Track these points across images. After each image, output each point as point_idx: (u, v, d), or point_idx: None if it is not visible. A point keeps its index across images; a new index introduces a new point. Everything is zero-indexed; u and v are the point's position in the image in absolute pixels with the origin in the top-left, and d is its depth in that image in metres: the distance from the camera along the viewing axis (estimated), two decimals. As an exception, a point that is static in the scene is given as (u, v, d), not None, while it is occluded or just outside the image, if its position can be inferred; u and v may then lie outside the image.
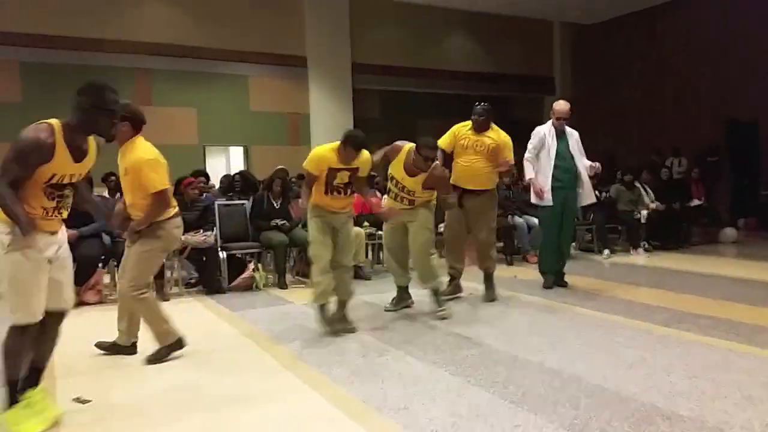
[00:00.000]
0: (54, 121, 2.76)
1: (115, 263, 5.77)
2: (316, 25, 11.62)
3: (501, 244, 8.03)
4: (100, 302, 5.67)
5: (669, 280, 6.43)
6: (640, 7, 13.08)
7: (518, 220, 7.87)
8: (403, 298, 5.15)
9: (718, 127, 11.88)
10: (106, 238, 5.89)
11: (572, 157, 5.82)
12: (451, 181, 5.13)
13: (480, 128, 5.36)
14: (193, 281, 6.56)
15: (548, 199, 5.75)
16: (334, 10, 11.76)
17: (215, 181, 9.14)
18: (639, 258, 8.13)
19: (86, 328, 4.81)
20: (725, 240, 9.46)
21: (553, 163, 5.78)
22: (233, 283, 6.30)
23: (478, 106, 5.39)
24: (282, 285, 6.38)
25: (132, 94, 10.42)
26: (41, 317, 2.76)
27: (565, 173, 5.77)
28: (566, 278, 6.06)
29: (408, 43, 12.52)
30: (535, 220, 7.90)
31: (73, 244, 5.50)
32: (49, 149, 2.69)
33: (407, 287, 5.15)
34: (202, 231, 6.15)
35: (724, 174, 11.61)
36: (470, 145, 5.32)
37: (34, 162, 2.68)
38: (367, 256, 7.35)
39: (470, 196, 5.35)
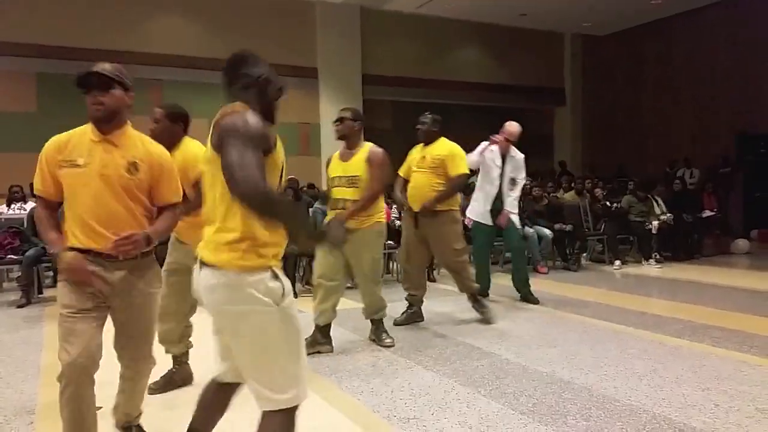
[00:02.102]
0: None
1: (53, 264, 5.78)
2: (328, 36, 11.71)
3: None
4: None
5: (681, 291, 6.38)
6: (651, 18, 13.07)
7: (528, 230, 7.84)
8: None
9: (731, 139, 11.82)
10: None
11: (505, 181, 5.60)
12: (406, 205, 4.89)
13: (426, 140, 4.86)
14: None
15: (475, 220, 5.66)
16: (346, 22, 11.85)
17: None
18: (650, 269, 8.07)
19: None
20: (738, 251, 9.38)
21: (497, 184, 5.57)
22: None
23: (423, 117, 4.92)
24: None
25: (144, 105, 10.56)
26: None
27: (498, 198, 5.59)
28: (576, 288, 6.02)
29: (419, 55, 12.58)
30: (546, 231, 7.90)
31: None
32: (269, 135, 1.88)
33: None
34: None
35: (737, 185, 11.54)
36: (416, 162, 4.86)
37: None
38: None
39: (423, 219, 4.78)
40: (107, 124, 2.28)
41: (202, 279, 1.86)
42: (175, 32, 10.54)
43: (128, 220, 2.30)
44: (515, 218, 5.70)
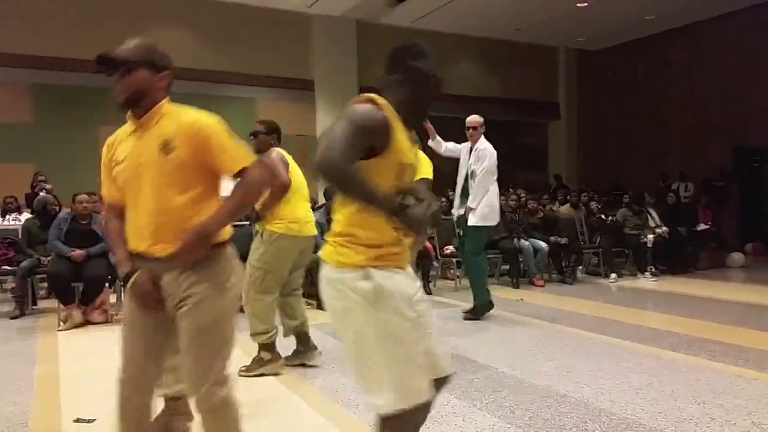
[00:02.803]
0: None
1: (121, 283, 5.78)
2: (324, 49, 11.77)
3: (507, 267, 8.03)
4: (106, 322, 5.67)
5: (677, 304, 6.39)
6: (645, 33, 13.20)
7: (524, 243, 7.85)
8: None
9: (726, 153, 11.90)
10: (113, 258, 5.91)
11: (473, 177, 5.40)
12: None
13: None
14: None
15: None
16: (342, 35, 11.92)
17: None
18: (646, 282, 8.08)
19: (92, 347, 4.81)
20: (733, 264, 9.42)
21: (461, 182, 5.51)
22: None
23: None
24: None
25: (141, 116, 10.58)
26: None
27: (465, 195, 5.44)
28: (572, 301, 6.02)
29: (414, 68, 12.66)
30: (542, 244, 7.91)
31: (81, 264, 5.57)
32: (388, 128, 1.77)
33: None
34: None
35: (732, 198, 11.60)
36: None
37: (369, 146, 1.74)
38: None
39: None
40: (136, 109, 2.01)
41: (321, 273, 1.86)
42: (172, 44, 10.48)
43: (178, 211, 1.94)
44: (472, 216, 5.38)
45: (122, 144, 2.04)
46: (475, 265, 5.59)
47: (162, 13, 10.45)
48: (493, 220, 5.53)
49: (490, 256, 7.89)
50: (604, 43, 14.12)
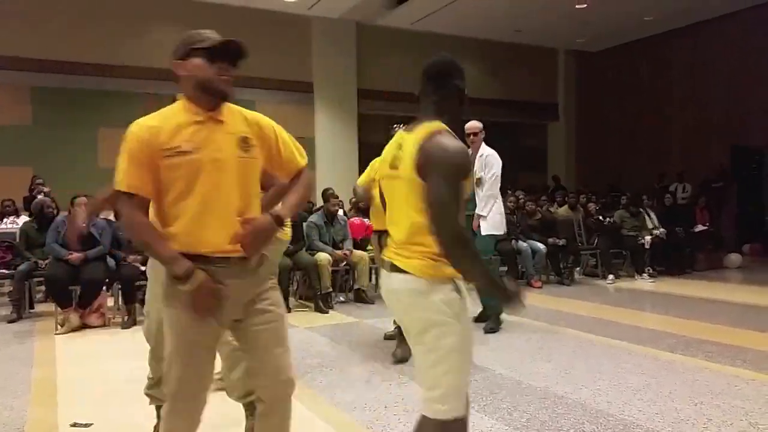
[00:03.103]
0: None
1: (119, 286, 5.78)
2: (323, 51, 11.77)
3: (505, 269, 8.02)
4: (104, 325, 5.66)
5: (674, 305, 6.39)
6: (644, 34, 13.21)
7: (522, 244, 7.85)
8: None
9: (725, 154, 11.91)
10: (111, 261, 5.91)
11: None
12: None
13: None
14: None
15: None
16: (341, 37, 11.92)
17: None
18: (644, 283, 8.08)
19: (89, 351, 4.81)
20: (730, 265, 9.42)
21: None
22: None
23: (397, 128, 4.85)
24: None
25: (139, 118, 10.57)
26: None
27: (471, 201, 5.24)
28: (569, 302, 6.02)
29: (414, 70, 12.40)
30: (540, 245, 7.91)
31: (78, 267, 5.57)
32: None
33: None
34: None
35: (730, 200, 11.61)
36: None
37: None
38: (370, 280, 7.31)
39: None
40: (224, 100, 1.94)
41: (392, 283, 1.90)
42: (170, 46, 10.48)
43: (249, 211, 1.89)
44: (484, 224, 5.21)
45: (183, 133, 1.84)
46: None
47: (161, 15, 10.45)
48: (504, 228, 5.45)
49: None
50: (604, 44, 14.12)
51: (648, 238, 8.50)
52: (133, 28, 10.33)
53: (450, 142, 1.82)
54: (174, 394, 1.88)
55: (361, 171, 4.81)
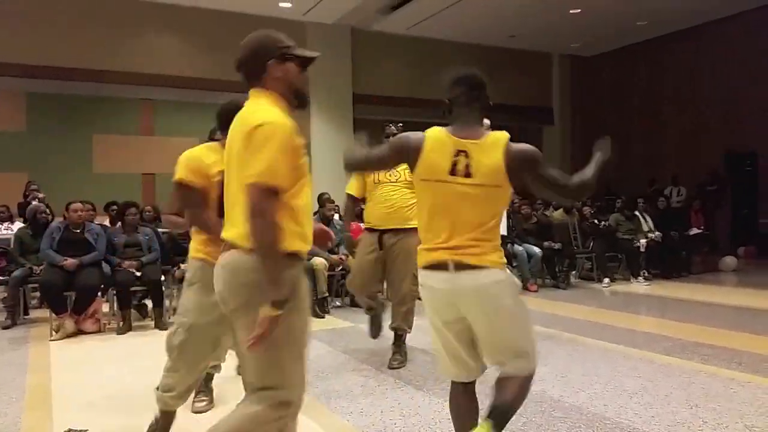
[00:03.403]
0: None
1: (114, 292, 5.76)
2: (318, 55, 11.79)
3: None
4: (99, 331, 5.64)
5: (670, 308, 6.41)
6: (638, 39, 13.28)
7: (518, 248, 7.86)
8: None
9: (718, 158, 11.96)
10: (106, 267, 5.89)
11: None
12: (365, 224, 4.45)
13: None
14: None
15: None
16: (336, 42, 11.94)
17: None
18: (639, 286, 8.10)
19: (84, 357, 4.79)
20: (725, 268, 9.45)
21: None
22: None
23: (390, 126, 4.48)
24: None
25: (135, 124, 10.56)
26: None
27: None
28: (565, 306, 6.03)
29: (409, 75, 12.69)
30: (536, 249, 7.93)
31: (73, 273, 5.55)
32: None
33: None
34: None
35: (725, 203, 11.65)
36: (384, 176, 4.32)
37: None
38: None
39: (390, 239, 4.25)
40: (302, 108, 2.15)
41: (467, 280, 2.13)
42: (165, 52, 10.57)
43: None
44: None
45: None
46: None
47: (155, 22, 10.45)
48: (505, 229, 5.48)
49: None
50: (598, 49, 14.19)
51: (643, 241, 8.52)
52: (128, 34, 10.33)
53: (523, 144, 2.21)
54: (295, 401, 1.94)
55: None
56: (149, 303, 6.05)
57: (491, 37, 13.06)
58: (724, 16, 11.76)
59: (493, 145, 2.14)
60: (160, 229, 6.48)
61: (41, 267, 5.78)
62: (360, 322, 5.60)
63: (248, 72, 2.02)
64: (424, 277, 2.22)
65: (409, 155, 2.24)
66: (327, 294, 6.53)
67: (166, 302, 6.06)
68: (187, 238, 3.11)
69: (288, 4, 10.69)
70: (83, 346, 5.17)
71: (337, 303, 6.89)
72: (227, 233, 1.95)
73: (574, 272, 8.74)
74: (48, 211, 6.54)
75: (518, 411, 3.22)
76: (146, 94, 10.52)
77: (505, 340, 2.22)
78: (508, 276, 2.19)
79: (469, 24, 11.99)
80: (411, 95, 12.61)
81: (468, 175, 2.11)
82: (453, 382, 2.39)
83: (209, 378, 3.45)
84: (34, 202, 7.19)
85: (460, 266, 2.11)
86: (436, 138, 2.20)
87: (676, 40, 12.87)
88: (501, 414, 2.16)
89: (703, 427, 2.97)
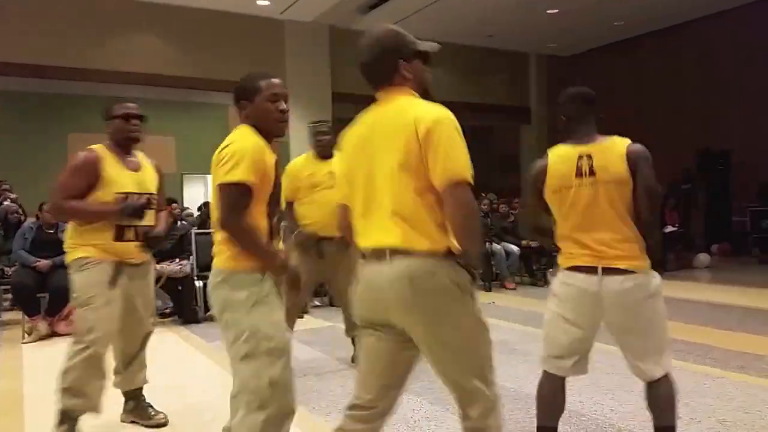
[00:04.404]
0: None
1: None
2: (297, 54, 11.73)
3: (480, 271, 8.08)
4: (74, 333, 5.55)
5: (645, 306, 6.49)
6: (615, 39, 13.45)
7: (496, 246, 7.92)
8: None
9: (692, 157, 12.16)
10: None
11: None
12: (302, 226, 4.02)
13: (330, 154, 4.04)
14: (167, 311, 6.47)
15: None
16: (315, 40, 11.90)
17: (194, 209, 9.10)
18: (616, 284, 8.20)
19: (58, 360, 4.71)
20: (699, 265, 9.62)
21: None
22: (209, 313, 6.23)
23: (321, 124, 4.17)
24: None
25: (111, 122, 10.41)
26: None
27: None
28: (543, 303, 6.03)
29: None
30: (514, 247, 7.99)
31: (47, 274, 5.46)
32: None
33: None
34: (177, 260, 6.09)
35: (699, 201, 11.85)
36: (322, 179, 3.95)
37: None
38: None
39: (331, 247, 3.87)
40: None
41: (617, 284, 2.27)
42: (143, 50, 10.43)
43: None
44: None
45: None
46: None
47: (132, 20, 10.31)
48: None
49: (463, 260, 7.93)
50: (575, 49, 14.33)
51: (619, 239, 8.63)
52: (104, 33, 10.17)
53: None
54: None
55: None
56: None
57: (469, 37, 13.12)
58: (700, 17, 11.96)
59: (613, 145, 2.37)
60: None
61: (13, 268, 5.68)
62: (339, 322, 5.58)
63: (377, 72, 1.96)
64: (566, 277, 2.40)
65: (539, 178, 2.42)
66: (306, 294, 6.51)
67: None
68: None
69: (266, 2, 10.62)
70: (57, 348, 5.07)
71: (317, 303, 6.88)
72: (387, 240, 1.80)
73: (551, 270, 8.83)
74: (21, 211, 6.43)
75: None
76: (124, 93, 10.33)
77: (642, 340, 2.39)
78: (652, 278, 2.31)
79: (447, 24, 12.03)
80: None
81: (592, 173, 2.30)
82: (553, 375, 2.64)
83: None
84: (6, 203, 7.06)
85: (613, 271, 2.26)
86: (558, 152, 2.41)
87: (652, 40, 13.05)
88: None
89: (677, 422, 3.01)
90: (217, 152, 2.14)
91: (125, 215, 2.85)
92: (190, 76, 10.42)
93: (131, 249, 2.94)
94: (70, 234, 2.98)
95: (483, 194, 9.32)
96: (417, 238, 1.75)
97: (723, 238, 11.39)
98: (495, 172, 13.78)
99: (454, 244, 1.78)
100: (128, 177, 2.97)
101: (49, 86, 9.77)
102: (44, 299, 5.45)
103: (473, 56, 13.84)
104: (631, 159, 2.29)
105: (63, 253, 5.52)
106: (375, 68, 1.94)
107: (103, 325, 2.85)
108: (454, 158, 1.74)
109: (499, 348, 4.72)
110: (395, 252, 1.77)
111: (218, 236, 2.18)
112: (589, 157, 2.33)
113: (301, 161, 4.18)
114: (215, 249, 2.22)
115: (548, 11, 11.51)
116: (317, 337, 5.22)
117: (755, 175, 11.14)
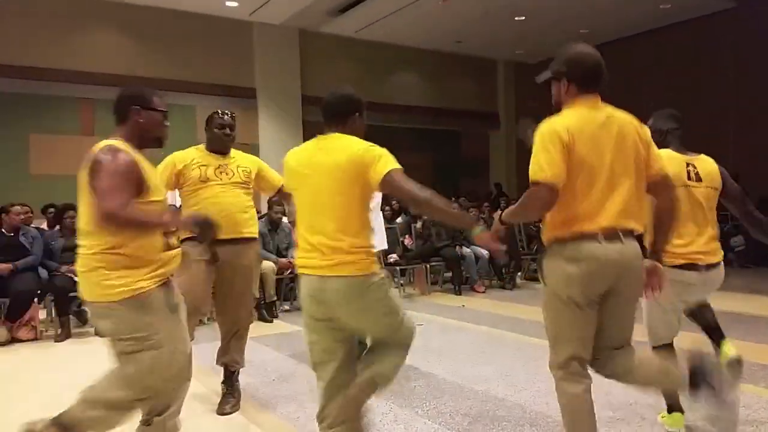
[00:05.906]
0: None
1: (52, 298, 5.55)
2: (266, 56, 11.67)
3: (449, 274, 8.15)
4: (35, 339, 5.42)
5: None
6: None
7: (466, 250, 7.99)
8: None
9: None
10: (43, 272, 5.67)
11: None
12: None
13: (227, 147, 3.63)
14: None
15: None
16: (284, 43, 11.86)
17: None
18: (582, 287, 8.34)
19: (19, 366, 4.59)
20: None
21: None
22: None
23: (225, 116, 3.66)
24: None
25: (75, 124, 10.18)
26: None
27: None
28: (511, 306, 6.13)
29: (358, 77, 12.70)
30: (483, 251, 8.06)
31: (7, 279, 5.31)
32: None
33: None
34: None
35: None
36: (213, 174, 3.46)
37: None
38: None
39: (227, 250, 3.36)
40: None
41: (715, 278, 2.89)
42: (108, 50, 10.25)
43: None
44: None
45: None
46: None
47: (97, 18, 10.12)
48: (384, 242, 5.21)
49: (433, 263, 8.00)
50: (541, 55, 14.53)
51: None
52: (68, 31, 9.96)
53: None
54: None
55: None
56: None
57: (438, 43, 13.23)
58: (665, 25, 12.28)
59: (707, 159, 2.89)
60: None
61: (-29, 273, 5.51)
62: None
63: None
64: (675, 275, 2.74)
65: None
66: (275, 298, 6.47)
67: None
68: None
69: (234, 4, 10.54)
70: (18, 354, 4.95)
71: (286, 307, 6.84)
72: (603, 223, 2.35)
73: (519, 274, 8.94)
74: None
75: (463, 411, 3.30)
76: (86, 93, 10.15)
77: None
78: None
79: (416, 29, 12.11)
80: (361, 98, 12.65)
81: (699, 179, 2.78)
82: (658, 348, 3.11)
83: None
84: (-36, 205, 6.85)
85: (710, 266, 2.79)
86: (667, 155, 2.74)
87: (618, 47, 13.33)
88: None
89: (641, 423, 3.09)
90: None
91: (200, 227, 2.40)
92: (156, 77, 10.26)
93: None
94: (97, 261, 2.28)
95: (453, 198, 9.40)
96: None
97: (725, 250, 11.61)
98: (465, 176, 13.92)
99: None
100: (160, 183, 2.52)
101: (10, 85, 9.50)
102: (4, 304, 5.30)
103: (442, 61, 13.95)
104: (721, 170, 2.87)
105: (24, 256, 5.44)
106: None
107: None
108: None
109: (468, 351, 4.81)
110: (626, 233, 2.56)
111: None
112: (694, 165, 2.82)
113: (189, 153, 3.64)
114: None
115: (516, 18, 11.68)
116: (286, 342, 5.20)
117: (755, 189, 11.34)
